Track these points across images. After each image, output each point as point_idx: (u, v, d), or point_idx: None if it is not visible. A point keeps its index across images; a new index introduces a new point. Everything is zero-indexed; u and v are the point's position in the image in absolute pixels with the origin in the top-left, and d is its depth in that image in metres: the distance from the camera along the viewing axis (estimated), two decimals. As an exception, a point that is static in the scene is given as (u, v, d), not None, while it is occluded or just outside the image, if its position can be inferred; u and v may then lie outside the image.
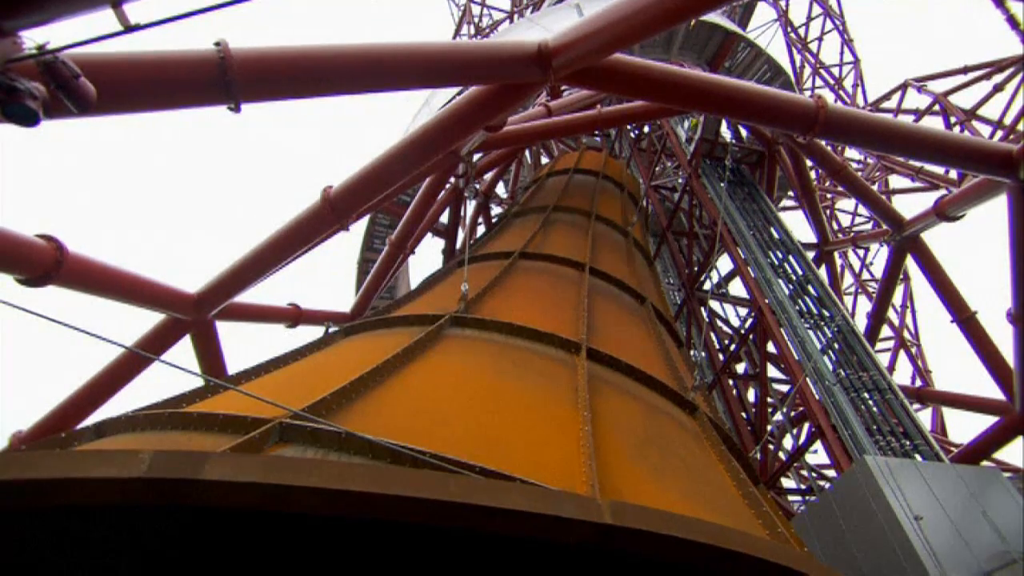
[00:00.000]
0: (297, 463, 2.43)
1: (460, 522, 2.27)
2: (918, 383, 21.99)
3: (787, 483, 15.58)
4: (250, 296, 9.08)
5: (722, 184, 13.77)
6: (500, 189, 21.28)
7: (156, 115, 5.40)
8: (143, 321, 8.49)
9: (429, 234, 16.35)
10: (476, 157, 12.34)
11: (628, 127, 21.66)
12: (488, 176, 17.07)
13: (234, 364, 8.99)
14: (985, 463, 9.91)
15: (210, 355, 8.73)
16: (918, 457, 8.00)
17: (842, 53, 27.12)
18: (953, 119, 19.59)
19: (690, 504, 3.64)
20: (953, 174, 18.37)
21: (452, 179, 12.08)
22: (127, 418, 4.15)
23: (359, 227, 19.55)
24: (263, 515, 2.43)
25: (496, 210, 19.20)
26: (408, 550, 3.05)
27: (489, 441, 3.49)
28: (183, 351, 8.66)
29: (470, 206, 17.38)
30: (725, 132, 15.99)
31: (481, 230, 17.62)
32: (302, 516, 2.37)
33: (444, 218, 16.32)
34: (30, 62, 3.18)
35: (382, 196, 7.95)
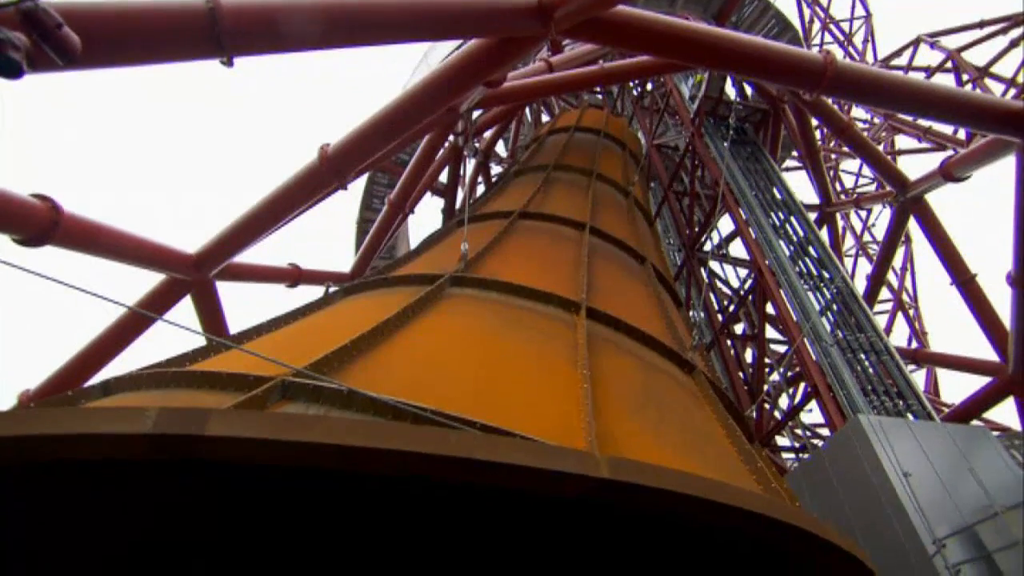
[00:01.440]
0: (300, 419, 2.46)
1: (461, 476, 2.31)
2: (914, 345, 22.23)
3: (782, 441, 15.93)
4: (250, 257, 9.08)
5: (725, 143, 13.55)
6: (500, 148, 20.97)
7: (147, 69, 5.25)
8: (139, 284, 8.50)
9: (428, 193, 16.19)
10: (475, 114, 12.12)
11: (631, 84, 21.16)
12: (488, 134, 16.79)
13: (235, 326, 9.06)
14: (975, 422, 10.10)
15: (211, 315, 8.77)
16: (910, 416, 8.15)
17: (853, 7, 26.20)
18: (965, 76, 19.10)
19: (687, 460, 3.71)
20: (961, 134, 18.05)
21: (451, 137, 11.88)
22: (132, 377, 4.18)
23: (358, 187, 19.37)
24: (266, 471, 2.48)
25: (496, 169, 18.96)
26: (409, 504, 3.13)
27: (489, 398, 3.53)
28: (185, 315, 8.71)
29: (469, 165, 17.15)
30: (730, 90, 15.64)
31: (481, 189, 17.46)
32: (305, 471, 2.41)
33: (443, 177, 16.13)
34: (9, 10, 3.06)
35: (380, 154, 7.83)
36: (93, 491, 2.90)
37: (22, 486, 2.74)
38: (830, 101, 11.68)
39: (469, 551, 3.78)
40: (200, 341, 5.11)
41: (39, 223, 6.02)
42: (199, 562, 3.73)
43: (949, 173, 9.37)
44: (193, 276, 8.16)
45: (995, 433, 7.52)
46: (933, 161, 10.19)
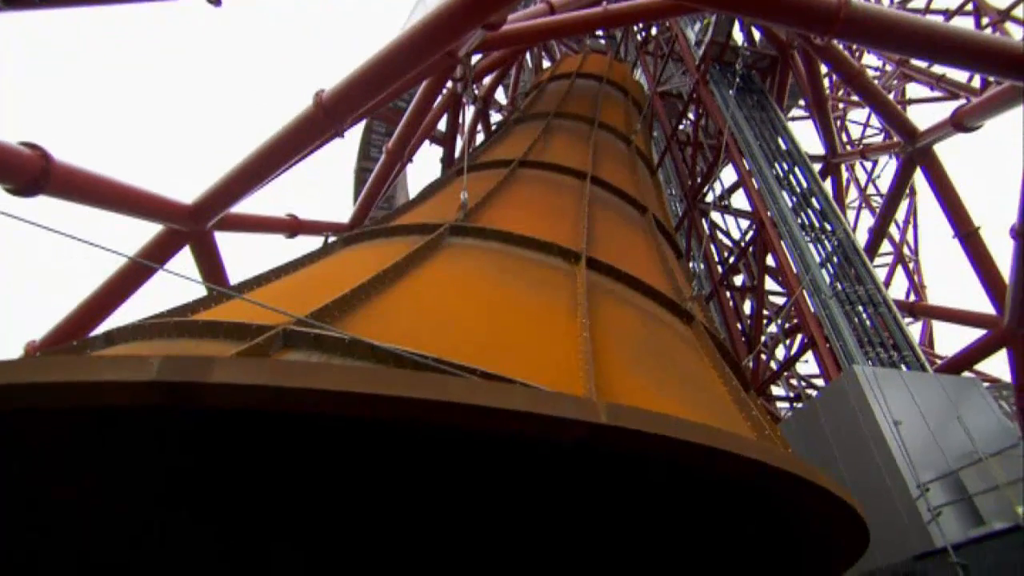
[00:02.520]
0: (303, 366, 2.48)
1: (461, 422, 2.34)
2: (912, 298, 22.35)
3: (777, 391, 16.25)
4: (248, 207, 8.98)
5: (731, 91, 13.17)
6: (500, 96, 20.44)
7: (129, 9, 5.03)
8: (133, 239, 8.43)
9: (427, 142, 15.89)
10: (474, 59, 11.72)
11: (635, 28, 20.39)
12: (487, 80, 16.34)
13: (233, 279, 9.04)
14: (967, 374, 10.27)
15: (211, 266, 8.75)
16: (904, 368, 8.27)
17: (871, -57, 24.93)
18: (985, 20, 18.37)
19: (684, 407, 3.78)
20: (976, 82, 17.54)
21: (450, 83, 11.53)
22: (134, 327, 4.20)
23: (355, 136, 18.99)
24: (269, 418, 2.51)
25: (495, 117, 18.54)
26: (409, 451, 3.20)
27: (489, 346, 3.55)
28: (184, 267, 8.68)
29: (469, 112, 16.75)
30: (737, 35, 15.08)
31: (480, 138, 17.13)
32: (308, 418, 2.44)
33: (442, 125, 15.78)
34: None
35: (377, 100, 7.60)
36: (96, 437, 2.96)
37: (29, 433, 2.79)
38: (841, 46, 11.28)
39: (469, 496, 3.90)
40: (199, 293, 5.12)
41: (29, 172, 5.92)
42: (202, 507, 3.85)
43: (960, 122, 9.14)
44: (191, 227, 8.09)
45: (985, 384, 7.66)
46: (944, 113, 9.95)
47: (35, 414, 2.47)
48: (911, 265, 24.59)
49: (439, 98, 11.87)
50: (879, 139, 24.57)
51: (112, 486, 3.52)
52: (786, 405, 16.24)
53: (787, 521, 3.54)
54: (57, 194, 6.37)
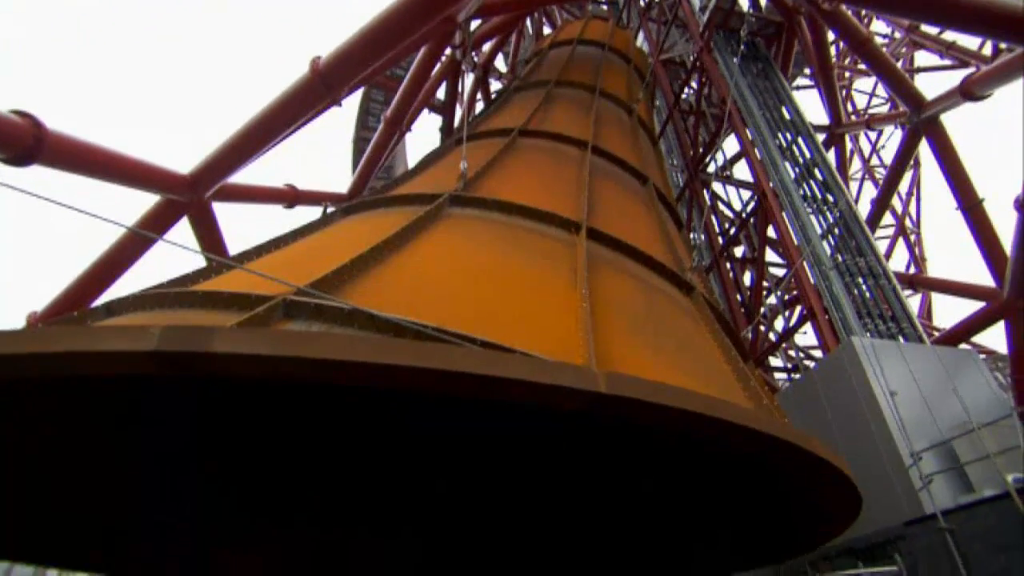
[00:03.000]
0: (305, 336, 2.47)
1: (462, 391, 2.35)
2: (912, 270, 22.35)
3: (776, 362, 16.36)
4: (246, 178, 8.90)
5: (735, 59, 12.90)
6: (500, 63, 20.05)
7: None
8: (127, 213, 8.37)
9: (426, 111, 15.66)
10: (474, 25, 11.45)
11: (639, -8, 19.88)
12: (486, 47, 15.99)
13: (233, 249, 9.01)
14: (964, 346, 10.33)
15: (210, 236, 8.72)
16: (902, 339, 8.31)
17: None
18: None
19: (683, 377, 3.80)
20: (988, 50, 17.18)
21: (449, 50, 11.30)
22: (135, 297, 4.19)
23: (353, 105, 18.68)
24: (270, 388, 2.51)
25: (496, 85, 18.23)
26: (407, 419, 3.23)
27: (489, 316, 3.55)
28: (183, 237, 8.63)
29: (468, 80, 16.45)
30: (743, 0, 14.70)
31: (480, 106, 16.88)
32: (309, 388, 2.45)
33: (441, 94, 15.52)
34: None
35: (374, 67, 7.46)
36: (99, 407, 2.98)
37: (35, 402, 2.82)
38: (849, 12, 11.01)
39: (469, 463, 3.96)
40: (198, 264, 5.10)
41: (21, 141, 5.84)
42: (203, 474, 3.91)
43: (969, 91, 8.99)
44: (189, 197, 8.03)
45: (982, 356, 7.71)
46: (952, 82, 9.77)
47: (38, 384, 2.48)
48: (912, 237, 24.53)
49: (438, 65, 11.66)
50: (885, 109, 24.22)
51: (115, 454, 3.57)
52: (784, 376, 16.38)
53: (783, 488, 3.60)
54: (51, 164, 6.30)
